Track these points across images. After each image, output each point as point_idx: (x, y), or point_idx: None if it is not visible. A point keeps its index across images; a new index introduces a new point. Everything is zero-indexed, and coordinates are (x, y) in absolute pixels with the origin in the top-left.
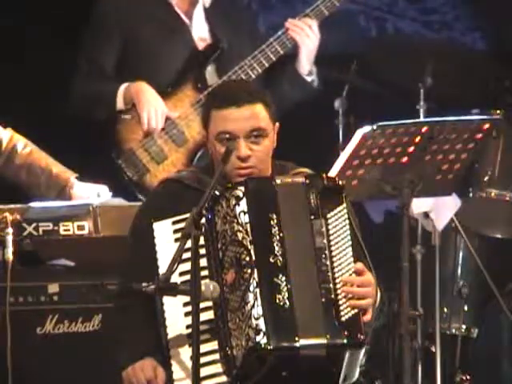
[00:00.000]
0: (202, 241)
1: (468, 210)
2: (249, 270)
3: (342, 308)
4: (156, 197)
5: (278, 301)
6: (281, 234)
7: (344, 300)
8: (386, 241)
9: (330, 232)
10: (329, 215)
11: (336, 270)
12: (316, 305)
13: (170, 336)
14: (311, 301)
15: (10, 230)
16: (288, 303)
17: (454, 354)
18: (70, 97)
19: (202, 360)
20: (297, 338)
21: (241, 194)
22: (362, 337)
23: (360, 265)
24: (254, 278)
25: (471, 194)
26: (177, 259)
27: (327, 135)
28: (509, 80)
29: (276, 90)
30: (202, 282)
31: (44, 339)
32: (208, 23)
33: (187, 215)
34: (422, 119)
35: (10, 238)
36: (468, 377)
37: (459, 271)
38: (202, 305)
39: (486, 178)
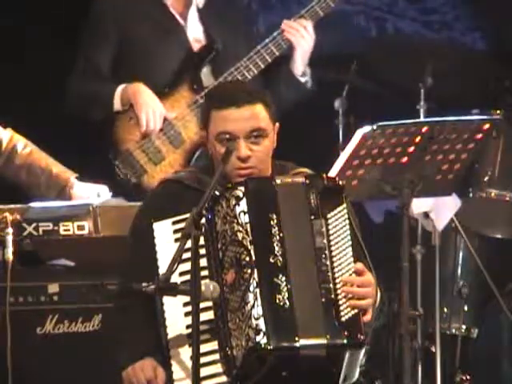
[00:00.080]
0: (202, 241)
1: (468, 210)
2: (249, 270)
3: (342, 308)
4: (156, 197)
5: (278, 301)
6: (281, 234)
7: (344, 300)
8: (385, 241)
9: (330, 232)
10: (329, 215)
11: (336, 270)
12: (316, 305)
13: (170, 336)
14: (311, 301)
15: (10, 230)
16: (288, 303)
17: (454, 354)
18: (66, 96)
19: (202, 360)
20: (297, 338)
21: (241, 194)
22: (362, 337)
23: (360, 265)
24: (254, 278)
25: (471, 194)
26: (177, 259)
27: (327, 135)
28: (509, 80)
29: (273, 91)
30: (202, 282)
31: (44, 339)
32: (202, 24)
33: (187, 215)
34: (422, 119)
35: (9, 238)
36: (468, 377)
37: (459, 271)
38: (202, 305)
39: (485, 178)
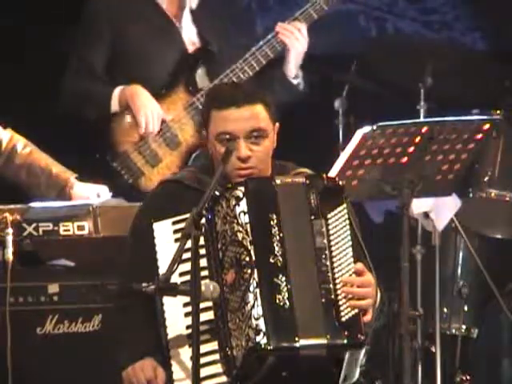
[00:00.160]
0: (202, 241)
1: (468, 210)
2: (249, 270)
3: (342, 308)
4: (156, 197)
5: (278, 301)
6: (281, 234)
7: (344, 300)
8: (385, 241)
9: (330, 232)
10: (329, 215)
11: (336, 270)
12: (316, 305)
13: (170, 336)
14: (311, 301)
15: (10, 230)
16: (288, 303)
17: (454, 354)
18: (60, 95)
19: (202, 360)
20: (297, 339)
21: (241, 195)
22: (362, 337)
23: (360, 265)
24: (254, 278)
25: (471, 195)
26: (177, 259)
27: (327, 135)
28: (509, 80)
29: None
30: (202, 282)
31: (44, 339)
32: (196, 26)
33: (187, 215)
34: (422, 119)
35: (10, 238)
36: (468, 377)
37: (459, 271)
38: (202, 305)
39: (486, 179)
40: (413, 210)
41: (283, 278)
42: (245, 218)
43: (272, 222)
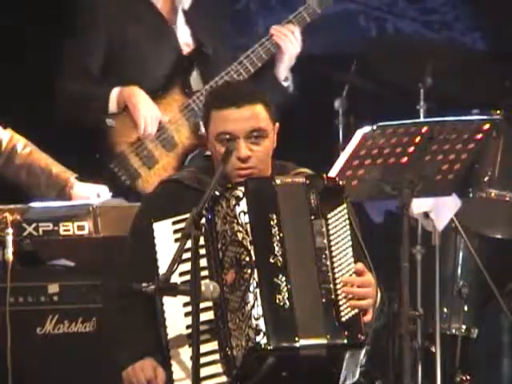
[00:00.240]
0: (202, 241)
1: (468, 210)
2: (249, 270)
3: (342, 308)
4: (156, 197)
5: (278, 301)
6: (281, 234)
7: (344, 300)
8: (385, 241)
9: (331, 232)
10: (329, 215)
11: (336, 270)
12: (316, 305)
13: (170, 336)
14: (311, 301)
15: (10, 230)
16: (288, 303)
17: (454, 354)
18: (56, 98)
19: (202, 360)
20: (297, 338)
21: (241, 195)
22: (362, 337)
23: (360, 265)
24: (254, 278)
25: (471, 195)
26: (177, 259)
27: (327, 135)
28: (509, 80)
29: None
30: (202, 282)
31: (44, 339)
32: (189, 27)
33: (187, 215)
34: (422, 119)
35: (9, 238)
36: (468, 377)
37: (459, 271)
38: (202, 305)
39: (486, 179)
40: (413, 210)
41: (283, 278)
42: (245, 218)
43: (272, 222)
